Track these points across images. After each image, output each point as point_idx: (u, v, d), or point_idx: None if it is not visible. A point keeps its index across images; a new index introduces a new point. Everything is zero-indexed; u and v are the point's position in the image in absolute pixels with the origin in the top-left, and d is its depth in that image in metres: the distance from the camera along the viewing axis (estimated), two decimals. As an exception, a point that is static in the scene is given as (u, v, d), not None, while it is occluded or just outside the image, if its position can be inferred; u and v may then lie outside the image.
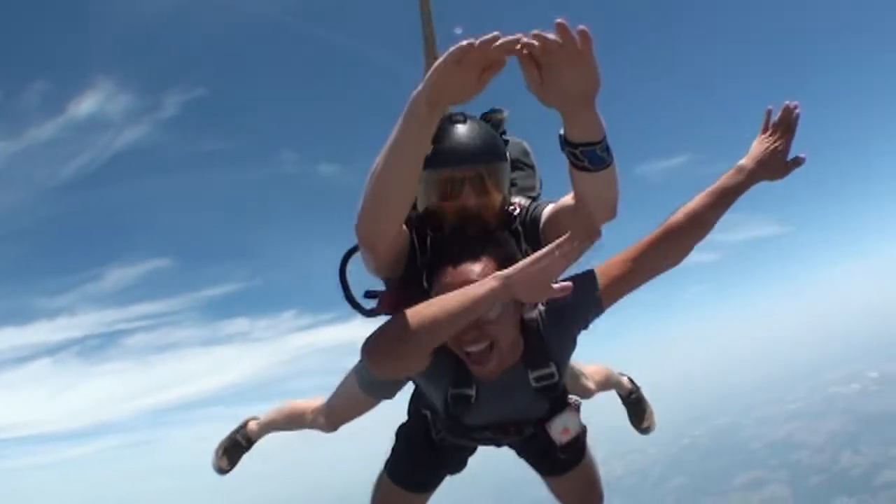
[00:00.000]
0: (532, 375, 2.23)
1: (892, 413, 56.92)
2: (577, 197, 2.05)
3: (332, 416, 3.29)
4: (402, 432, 2.81)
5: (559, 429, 2.40)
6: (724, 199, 2.14)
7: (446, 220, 2.22)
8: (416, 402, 2.73)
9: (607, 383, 3.64)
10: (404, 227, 2.15)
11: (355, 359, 3.03)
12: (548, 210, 2.30)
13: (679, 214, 2.14)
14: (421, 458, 2.73)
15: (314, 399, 3.44)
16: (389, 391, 3.03)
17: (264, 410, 3.71)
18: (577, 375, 3.26)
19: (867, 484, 50.04)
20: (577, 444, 2.64)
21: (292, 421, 3.52)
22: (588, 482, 2.90)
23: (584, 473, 2.85)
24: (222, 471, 3.67)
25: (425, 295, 2.05)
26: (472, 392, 2.23)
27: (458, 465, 2.85)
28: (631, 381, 3.89)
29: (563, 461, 2.75)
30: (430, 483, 2.84)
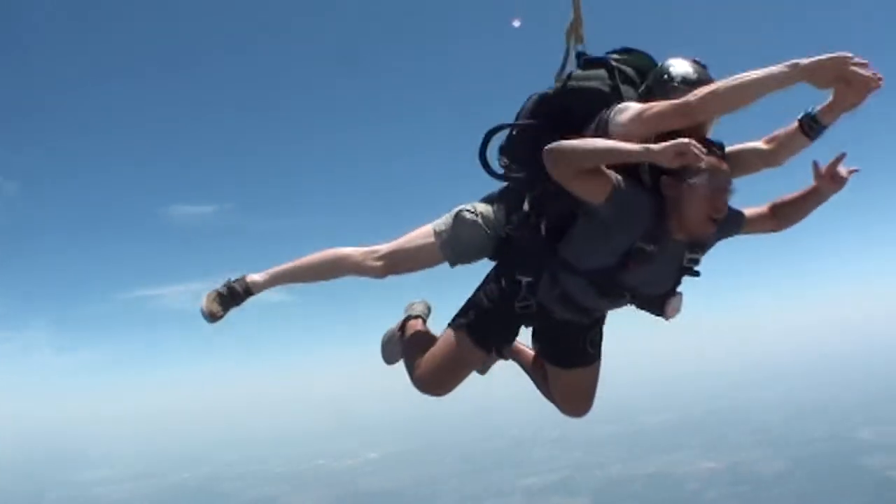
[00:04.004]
0: (689, 255, 2.73)
1: (384, 492, 57.28)
2: (778, 150, 2.73)
3: (391, 260, 3.26)
4: (487, 295, 3.03)
5: (676, 306, 2.80)
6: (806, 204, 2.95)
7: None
8: (512, 270, 2.97)
9: None
10: None
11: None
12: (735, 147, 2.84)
13: (788, 196, 2.94)
14: (500, 319, 3.01)
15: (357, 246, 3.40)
16: (470, 257, 3.17)
17: None
18: None
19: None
20: (601, 343, 3.20)
21: (325, 266, 3.41)
22: (590, 384, 3.23)
23: (592, 374, 3.21)
24: (213, 316, 3.39)
25: None
26: (653, 251, 2.62)
27: (513, 337, 3.22)
28: None
29: (587, 354, 3.15)
30: (498, 343, 3.14)
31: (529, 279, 2.90)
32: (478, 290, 3.10)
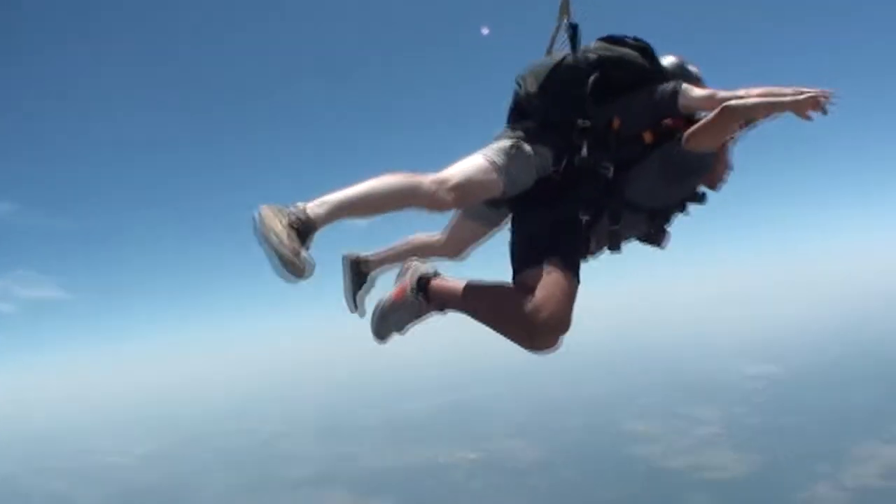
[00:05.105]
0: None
1: (153, 487, 56.81)
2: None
3: (461, 192, 3.03)
4: (561, 230, 3.10)
5: (670, 234, 3.42)
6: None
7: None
8: (572, 209, 3.14)
9: None
10: None
11: None
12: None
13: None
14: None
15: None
16: (522, 186, 3.20)
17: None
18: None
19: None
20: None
21: (396, 194, 2.92)
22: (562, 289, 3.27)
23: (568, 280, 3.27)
24: (299, 264, 2.46)
25: None
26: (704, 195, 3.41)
27: None
28: None
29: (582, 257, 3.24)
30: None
31: (588, 217, 3.16)
32: (544, 227, 3.10)
